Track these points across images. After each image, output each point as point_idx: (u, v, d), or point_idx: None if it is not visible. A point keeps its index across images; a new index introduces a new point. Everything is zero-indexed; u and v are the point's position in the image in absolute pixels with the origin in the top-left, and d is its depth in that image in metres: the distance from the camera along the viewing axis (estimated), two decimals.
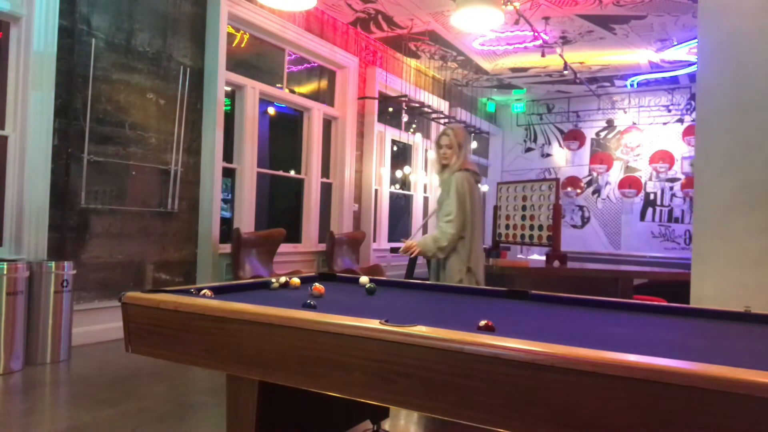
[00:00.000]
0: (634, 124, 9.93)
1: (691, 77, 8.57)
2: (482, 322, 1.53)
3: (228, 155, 5.55)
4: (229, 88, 5.54)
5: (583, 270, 4.63)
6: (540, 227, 5.21)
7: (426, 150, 9.01)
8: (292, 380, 1.57)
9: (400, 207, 8.83)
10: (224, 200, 6.04)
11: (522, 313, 2.02)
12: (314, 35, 6.46)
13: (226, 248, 5.29)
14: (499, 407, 1.26)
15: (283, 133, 7.71)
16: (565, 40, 7.27)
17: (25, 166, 3.94)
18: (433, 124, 9.04)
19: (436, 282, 3.31)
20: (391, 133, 8.14)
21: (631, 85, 9.44)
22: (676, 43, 7.22)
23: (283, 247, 5.89)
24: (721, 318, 1.97)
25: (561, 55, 7.41)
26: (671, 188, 9.62)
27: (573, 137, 10.49)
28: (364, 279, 2.60)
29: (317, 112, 6.73)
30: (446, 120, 8.94)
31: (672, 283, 4.78)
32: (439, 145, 3.47)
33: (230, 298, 1.93)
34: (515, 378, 1.24)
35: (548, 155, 10.75)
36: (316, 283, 2.26)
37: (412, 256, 3.36)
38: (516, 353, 1.24)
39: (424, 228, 3.49)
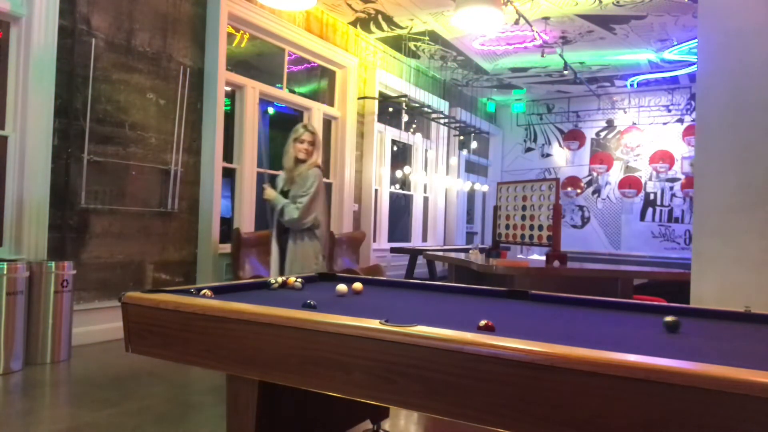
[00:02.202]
0: (634, 124, 9.93)
1: (691, 77, 8.57)
2: (482, 322, 1.53)
3: (228, 155, 5.55)
4: (229, 88, 5.54)
5: (583, 270, 4.63)
6: (540, 227, 5.21)
7: (426, 150, 9.01)
8: (292, 380, 1.57)
9: (400, 207, 8.83)
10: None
11: (522, 313, 2.02)
12: (314, 35, 6.46)
13: (226, 248, 5.29)
14: (499, 407, 1.26)
15: (283, 133, 7.70)
16: (565, 40, 7.27)
17: (25, 166, 3.94)
18: (433, 124, 9.04)
19: (298, 270, 3.63)
20: (391, 133, 8.14)
21: (631, 85, 9.44)
22: (676, 43, 7.22)
23: None
24: (721, 318, 1.97)
25: (561, 56, 7.41)
26: (671, 188, 9.63)
27: (573, 137, 10.49)
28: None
29: (317, 112, 6.73)
30: (446, 120, 8.93)
31: (672, 283, 4.77)
32: (301, 140, 3.75)
33: (230, 298, 1.93)
34: (515, 378, 1.24)
35: (548, 155, 10.75)
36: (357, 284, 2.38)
37: (265, 198, 3.81)
38: (516, 353, 1.24)
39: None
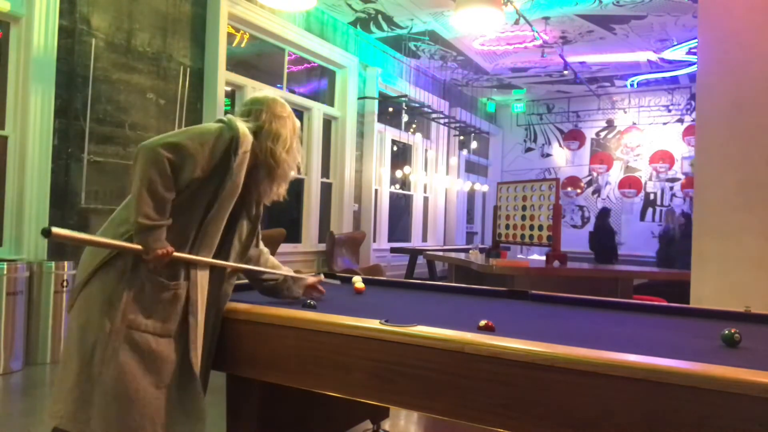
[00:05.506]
0: (634, 124, 9.93)
1: (691, 77, 8.56)
2: (482, 322, 1.53)
3: None
4: (229, 88, 5.54)
5: (583, 270, 4.63)
6: (540, 227, 5.21)
7: (426, 150, 9.01)
8: (292, 380, 1.57)
9: (400, 207, 8.83)
10: None
11: (522, 313, 2.02)
12: (314, 35, 6.46)
13: None
14: (499, 407, 1.26)
15: None
16: (565, 40, 7.27)
17: (25, 166, 3.94)
18: (433, 124, 9.04)
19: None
20: (391, 133, 8.14)
21: (631, 85, 9.44)
22: (676, 43, 7.22)
23: (283, 247, 5.88)
24: (721, 318, 1.97)
25: (561, 56, 7.41)
26: (671, 188, 9.62)
27: (573, 137, 10.49)
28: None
29: (317, 112, 6.72)
30: (446, 120, 8.93)
31: (672, 283, 4.78)
32: None
33: (230, 297, 1.93)
34: (515, 378, 1.24)
35: (548, 155, 10.75)
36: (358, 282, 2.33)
37: None
38: (516, 353, 1.24)
39: None
